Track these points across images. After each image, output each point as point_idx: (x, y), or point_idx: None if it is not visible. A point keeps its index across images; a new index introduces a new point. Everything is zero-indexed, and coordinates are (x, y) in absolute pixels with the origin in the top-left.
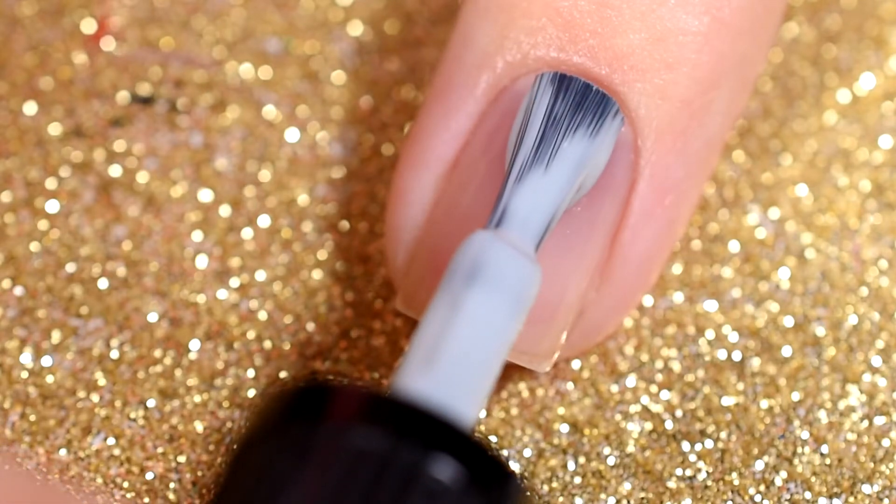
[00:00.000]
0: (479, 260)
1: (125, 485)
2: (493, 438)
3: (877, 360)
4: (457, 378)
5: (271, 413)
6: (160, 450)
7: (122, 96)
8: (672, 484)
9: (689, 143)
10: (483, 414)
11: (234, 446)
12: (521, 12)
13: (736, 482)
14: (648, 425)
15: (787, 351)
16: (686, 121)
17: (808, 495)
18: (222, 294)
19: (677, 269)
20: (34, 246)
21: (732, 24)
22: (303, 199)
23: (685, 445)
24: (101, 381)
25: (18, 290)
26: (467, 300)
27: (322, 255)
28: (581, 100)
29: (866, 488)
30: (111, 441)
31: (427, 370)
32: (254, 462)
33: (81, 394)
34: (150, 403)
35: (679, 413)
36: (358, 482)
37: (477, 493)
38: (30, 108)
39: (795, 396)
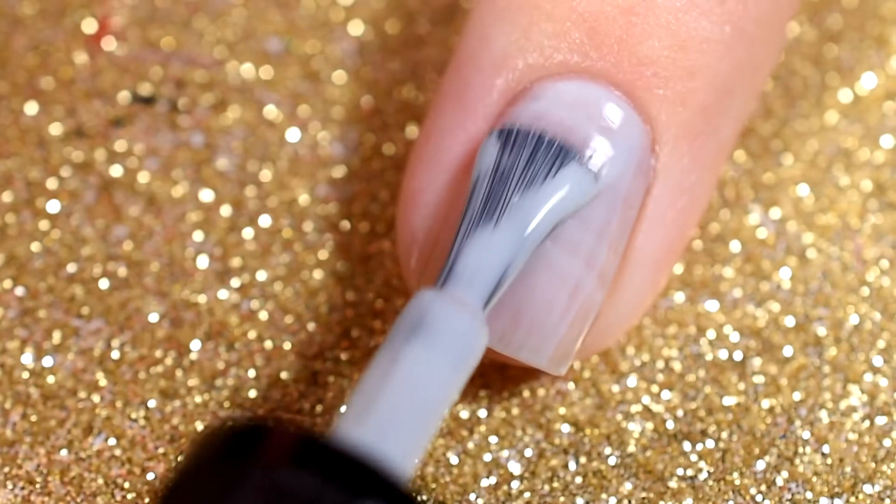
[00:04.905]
0: (422, 317)
1: (126, 485)
2: (493, 439)
3: (878, 360)
4: (391, 428)
5: (204, 452)
6: (161, 450)
7: (123, 96)
8: (673, 484)
9: (704, 148)
10: (484, 414)
11: (166, 484)
12: (544, 15)
13: (737, 482)
14: (649, 425)
15: (788, 351)
16: (702, 126)
17: (809, 495)
18: (223, 294)
19: (678, 268)
20: (35, 246)
21: (750, 33)
22: (304, 198)
23: (686, 445)
24: (103, 382)
25: (19, 291)
26: (406, 354)
27: (323, 254)
28: (533, 152)
29: (867, 488)
30: (112, 441)
31: (363, 420)
32: (184, 500)
33: (82, 394)
34: (152, 404)
35: (680, 413)
36: None
37: None
38: (31, 107)
39: (797, 396)
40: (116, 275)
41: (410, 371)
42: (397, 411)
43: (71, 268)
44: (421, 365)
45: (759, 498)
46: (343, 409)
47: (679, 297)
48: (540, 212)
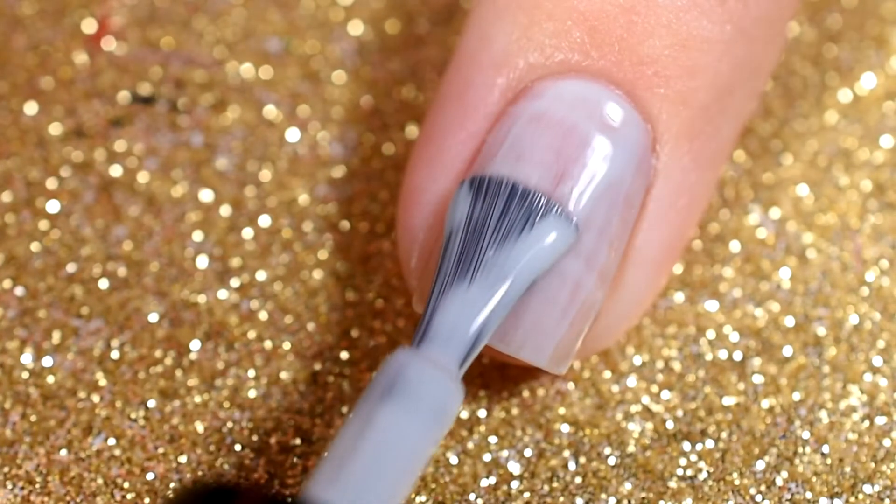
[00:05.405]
0: (397, 377)
1: (126, 485)
2: (493, 439)
3: (878, 360)
4: (363, 490)
5: None
6: (161, 450)
7: (123, 96)
8: (673, 484)
9: (704, 147)
10: (484, 414)
11: None
12: (544, 14)
13: (737, 482)
14: (649, 425)
15: (787, 351)
16: (702, 126)
17: (808, 495)
18: (223, 294)
19: (678, 268)
20: (35, 246)
21: (751, 33)
22: (303, 198)
23: (686, 445)
24: (102, 382)
25: (19, 291)
26: (380, 415)
27: (322, 254)
28: (507, 203)
29: (867, 488)
30: (112, 441)
31: (334, 481)
32: None
33: (82, 394)
34: (151, 404)
35: (680, 413)
36: None
37: None
38: (30, 107)
39: (796, 396)
40: (116, 275)
41: (384, 433)
42: (369, 473)
43: (70, 268)
44: (395, 427)
45: (758, 498)
46: (315, 469)
47: (679, 297)
48: (515, 268)
